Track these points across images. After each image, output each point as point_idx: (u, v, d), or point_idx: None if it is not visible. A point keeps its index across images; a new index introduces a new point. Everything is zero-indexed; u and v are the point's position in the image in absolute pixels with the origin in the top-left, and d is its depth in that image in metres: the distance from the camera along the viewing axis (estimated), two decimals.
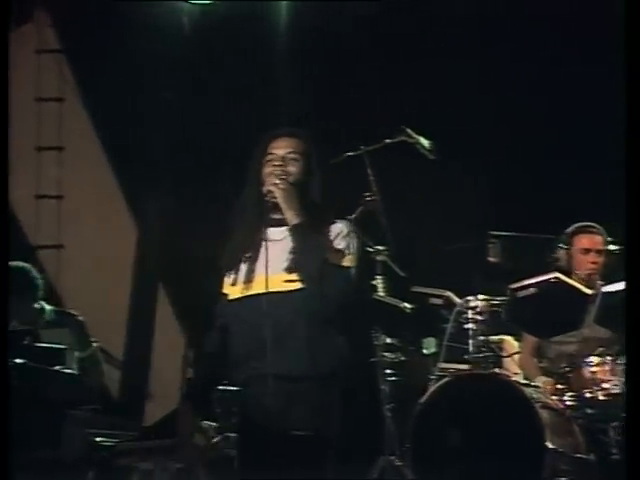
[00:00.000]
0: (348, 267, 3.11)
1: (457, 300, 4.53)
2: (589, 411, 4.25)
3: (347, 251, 3.13)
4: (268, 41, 5.97)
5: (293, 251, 3.09)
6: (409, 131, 4.55)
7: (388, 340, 4.71)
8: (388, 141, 4.59)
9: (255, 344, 3.05)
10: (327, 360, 3.07)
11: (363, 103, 5.70)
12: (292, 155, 3.18)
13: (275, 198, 3.11)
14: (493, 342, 4.55)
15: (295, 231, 3.09)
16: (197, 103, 6.00)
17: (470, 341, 4.42)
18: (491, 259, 4.83)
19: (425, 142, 4.55)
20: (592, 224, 4.77)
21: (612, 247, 4.70)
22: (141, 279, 6.43)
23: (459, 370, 4.43)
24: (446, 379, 4.27)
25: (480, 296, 4.45)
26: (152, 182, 6.32)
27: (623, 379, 4.20)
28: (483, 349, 4.39)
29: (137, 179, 6.32)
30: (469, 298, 4.47)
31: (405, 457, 4.24)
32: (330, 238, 3.13)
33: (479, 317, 4.42)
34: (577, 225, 4.77)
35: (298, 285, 3.08)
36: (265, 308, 3.03)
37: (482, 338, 4.41)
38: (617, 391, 4.20)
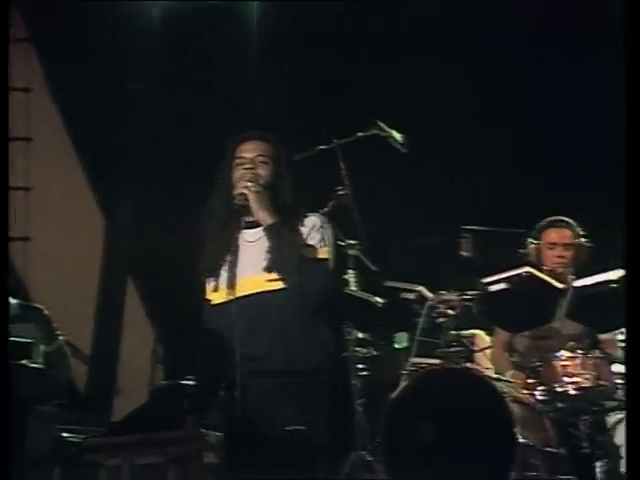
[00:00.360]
0: (325, 259, 3.15)
1: (429, 295, 4.55)
2: (560, 405, 4.28)
3: (322, 244, 3.17)
4: (240, 38, 5.98)
5: (269, 251, 3.14)
6: (381, 125, 4.56)
7: (360, 335, 4.72)
8: (360, 134, 4.60)
9: (244, 345, 3.08)
10: (315, 355, 3.14)
11: (336, 99, 5.73)
12: (261, 158, 3.24)
13: (247, 201, 3.15)
14: (465, 337, 4.57)
15: (270, 231, 3.14)
16: (168, 99, 6.00)
17: (442, 336, 4.44)
18: (463, 253, 4.85)
19: (397, 136, 4.57)
20: (562, 218, 4.82)
21: (582, 241, 4.76)
22: (109, 273, 6.41)
23: (431, 365, 4.45)
24: (418, 374, 4.29)
25: (452, 291, 4.48)
26: (122, 176, 6.30)
27: (594, 373, 4.24)
28: (455, 344, 4.40)
29: (106, 172, 6.30)
30: (441, 292, 4.50)
31: (376, 452, 4.24)
32: (305, 233, 3.16)
33: (451, 312, 4.44)
34: (547, 220, 4.83)
35: (281, 284, 3.14)
36: (249, 309, 3.09)
37: (454, 333, 4.43)
38: (588, 385, 4.23)
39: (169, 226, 6.11)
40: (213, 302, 3.22)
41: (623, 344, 4.62)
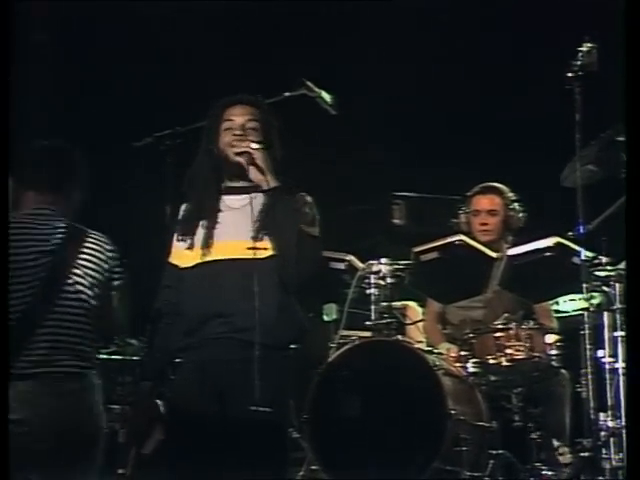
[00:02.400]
0: (317, 237, 3.22)
1: (359, 264, 4.63)
2: (492, 378, 4.44)
3: (313, 222, 3.23)
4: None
5: (265, 216, 3.19)
6: (310, 84, 4.60)
7: None
8: (287, 94, 4.63)
9: (214, 309, 3.14)
10: (288, 330, 3.19)
11: (263, 56, 5.78)
12: (252, 124, 3.27)
13: (253, 160, 3.18)
14: (396, 308, 4.69)
15: (272, 195, 3.18)
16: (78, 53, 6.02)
17: (372, 307, 4.54)
18: (395, 221, 4.96)
19: (327, 96, 4.61)
20: (492, 185, 4.95)
21: (511, 208, 4.90)
22: None
23: (361, 337, 4.54)
24: (347, 347, 4.37)
25: (383, 260, 4.56)
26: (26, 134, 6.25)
27: (528, 344, 4.40)
28: (386, 315, 4.51)
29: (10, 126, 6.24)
30: (372, 262, 4.58)
31: (304, 429, 4.34)
32: (298, 207, 3.23)
33: (382, 282, 4.54)
34: (477, 187, 4.96)
35: (264, 253, 3.18)
36: (224, 273, 3.14)
37: (385, 304, 4.53)
38: (521, 357, 4.38)
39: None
40: (182, 266, 3.25)
41: (557, 315, 4.85)
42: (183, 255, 3.25)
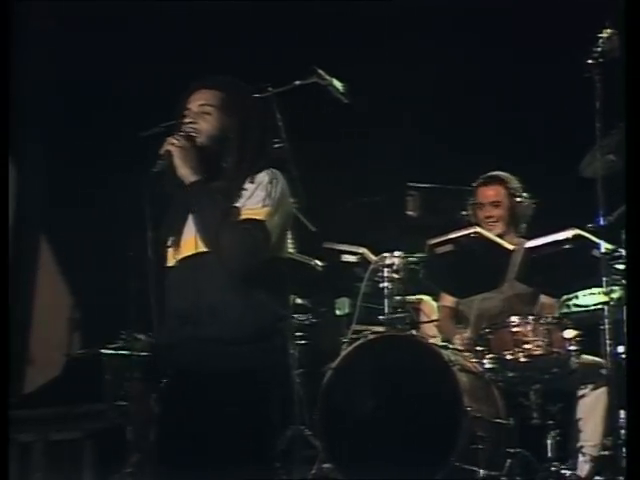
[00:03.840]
0: (259, 221, 3.12)
1: (372, 257, 4.64)
2: (510, 374, 4.41)
3: (264, 202, 3.14)
4: None
5: (192, 212, 3.18)
6: (321, 72, 4.60)
7: (298, 301, 4.81)
8: (298, 82, 4.64)
9: (179, 307, 3.16)
10: (250, 322, 3.13)
11: (271, 44, 5.79)
12: (205, 109, 3.20)
13: (171, 158, 3.15)
14: (410, 302, 4.70)
15: (190, 191, 3.15)
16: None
17: (386, 301, 4.55)
18: (409, 213, 4.96)
19: (338, 84, 4.61)
20: (496, 174, 4.92)
21: (518, 199, 4.87)
22: (20, 231, 6.40)
23: (374, 332, 4.53)
24: (360, 342, 4.38)
25: (397, 253, 4.57)
26: (32, 128, 6.29)
27: (546, 339, 4.38)
28: (399, 310, 4.52)
29: (17, 119, 6.27)
30: (385, 255, 4.58)
31: (315, 426, 4.36)
32: (249, 191, 3.15)
33: (395, 275, 4.55)
34: (482, 177, 4.94)
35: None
36: (185, 271, 3.16)
37: (398, 298, 4.54)
38: (539, 352, 4.36)
39: (85, 179, 6.13)
40: (168, 265, 3.29)
41: (576, 309, 4.84)
42: (169, 254, 3.28)
